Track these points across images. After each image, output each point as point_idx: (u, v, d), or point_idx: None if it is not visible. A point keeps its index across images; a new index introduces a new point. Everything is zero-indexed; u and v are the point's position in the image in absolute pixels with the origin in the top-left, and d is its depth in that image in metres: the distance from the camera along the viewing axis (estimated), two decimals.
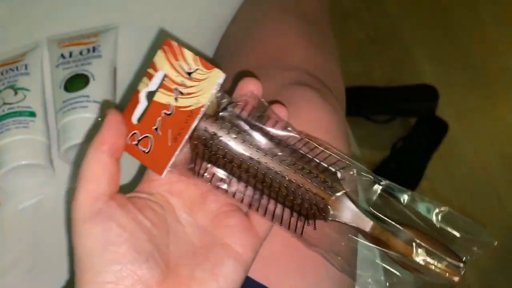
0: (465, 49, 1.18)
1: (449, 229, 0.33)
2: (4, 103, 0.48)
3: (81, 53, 0.51)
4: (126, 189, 0.32)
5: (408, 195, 0.33)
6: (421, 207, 0.33)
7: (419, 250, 0.32)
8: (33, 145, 0.46)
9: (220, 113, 0.31)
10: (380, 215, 0.33)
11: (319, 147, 0.32)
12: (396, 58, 1.18)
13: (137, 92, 0.31)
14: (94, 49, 0.52)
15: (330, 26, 0.60)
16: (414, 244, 0.32)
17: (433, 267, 0.32)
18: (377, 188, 0.33)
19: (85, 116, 0.47)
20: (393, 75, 1.16)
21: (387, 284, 0.34)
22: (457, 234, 0.33)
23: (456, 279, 0.32)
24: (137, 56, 0.54)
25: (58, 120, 0.48)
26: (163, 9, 0.57)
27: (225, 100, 0.32)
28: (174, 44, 0.31)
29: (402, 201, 0.33)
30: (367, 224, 0.32)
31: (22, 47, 0.54)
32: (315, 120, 0.40)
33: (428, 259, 0.32)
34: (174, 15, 0.57)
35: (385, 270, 0.34)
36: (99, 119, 0.46)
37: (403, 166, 1.03)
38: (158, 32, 0.54)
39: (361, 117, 1.11)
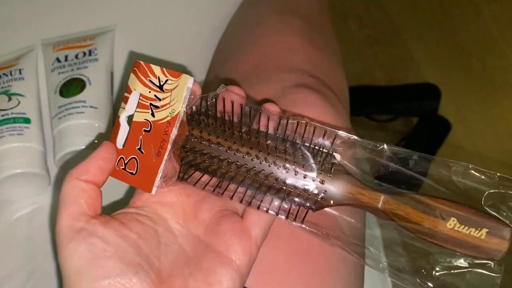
0: (466, 48, 1.17)
1: (475, 187, 0.27)
2: None
3: (77, 56, 0.50)
4: (122, 203, 0.31)
5: (416, 157, 0.29)
6: (435, 168, 0.28)
7: (451, 220, 0.26)
8: (28, 152, 0.44)
9: (198, 116, 0.31)
10: (392, 187, 0.29)
11: (310, 123, 0.30)
12: (396, 58, 1.17)
13: (118, 118, 0.32)
14: (90, 53, 0.50)
15: (331, 26, 0.59)
16: (440, 213, 0.27)
17: (473, 236, 0.26)
18: (381, 151, 0.29)
19: (81, 122, 0.45)
20: (394, 75, 1.15)
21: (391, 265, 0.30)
22: (486, 190, 0.27)
23: (504, 246, 0.26)
24: (135, 59, 0.52)
25: (53, 127, 0.46)
26: (161, 11, 0.56)
27: (200, 102, 0.31)
28: (142, 63, 0.32)
29: (410, 165, 0.29)
30: (377, 199, 0.28)
31: (16, 50, 0.52)
32: (318, 122, 0.38)
33: (463, 228, 0.26)
34: (172, 17, 0.56)
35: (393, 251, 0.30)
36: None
37: None
38: (151, 38, 0.53)
39: (363, 117, 1.10)
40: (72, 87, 0.47)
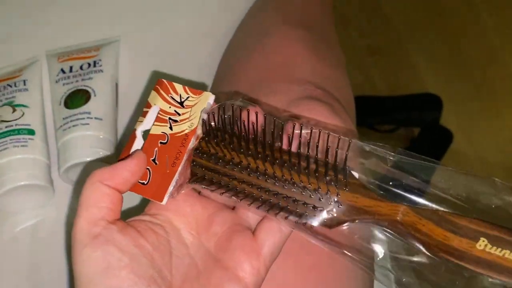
0: (467, 57, 1.17)
1: (503, 203, 0.25)
2: (2, 121, 0.46)
3: (81, 67, 0.50)
4: (137, 210, 0.31)
5: (434, 167, 0.26)
6: (455, 181, 0.26)
7: (480, 240, 0.24)
8: (32, 164, 0.44)
9: (216, 131, 0.31)
10: (410, 202, 0.26)
11: (323, 131, 0.29)
12: (397, 67, 1.17)
13: (134, 131, 0.33)
14: (95, 63, 0.50)
15: (336, 36, 0.59)
16: (467, 232, 0.24)
17: (508, 259, 0.23)
18: (398, 162, 0.27)
19: (86, 133, 0.45)
20: (395, 84, 1.15)
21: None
22: None
23: None
24: (140, 71, 0.52)
25: (58, 138, 0.46)
26: (165, 21, 0.56)
27: (217, 111, 0.32)
28: (165, 81, 0.33)
29: (428, 177, 0.27)
30: (396, 210, 0.26)
31: (21, 61, 0.52)
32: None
33: (496, 250, 0.24)
34: (176, 28, 0.56)
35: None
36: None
37: None
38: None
39: (365, 127, 1.10)
40: (77, 98, 0.47)
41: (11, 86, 0.49)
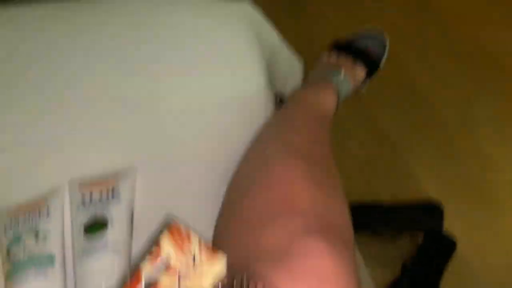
0: (465, 165, 1.22)
1: None
2: (25, 248, 0.49)
3: (100, 196, 0.54)
4: None
5: None
6: None
7: None
8: None
9: None
10: None
11: None
12: (397, 176, 1.21)
13: (138, 270, 0.33)
14: (113, 192, 0.54)
15: (332, 160, 0.63)
16: None
17: None
18: None
19: (104, 261, 0.48)
20: (396, 192, 1.19)
21: None
22: None
23: None
24: (154, 199, 0.56)
25: (76, 265, 0.49)
26: (178, 151, 0.61)
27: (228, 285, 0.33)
28: (182, 228, 0.34)
29: None
30: None
31: (44, 190, 0.56)
32: (324, 275, 0.41)
33: None
34: (186, 157, 0.61)
35: None
36: None
37: (416, 286, 1.02)
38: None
39: (368, 233, 1.12)
40: (95, 226, 0.51)
41: (35, 214, 0.53)
